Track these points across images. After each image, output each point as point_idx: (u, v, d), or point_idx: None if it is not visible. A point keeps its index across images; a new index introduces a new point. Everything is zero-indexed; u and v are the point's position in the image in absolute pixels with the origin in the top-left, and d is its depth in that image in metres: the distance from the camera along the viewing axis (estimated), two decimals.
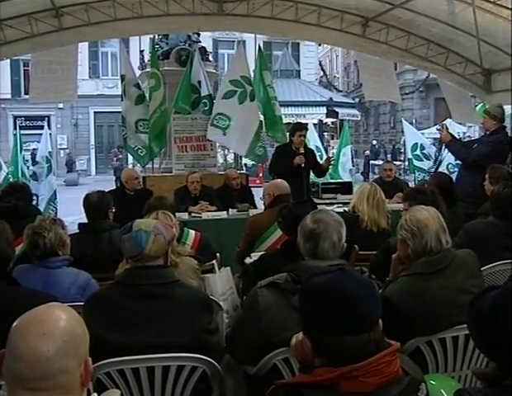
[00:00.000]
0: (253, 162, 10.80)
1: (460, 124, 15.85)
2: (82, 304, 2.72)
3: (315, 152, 9.23)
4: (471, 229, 4.17)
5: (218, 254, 4.51)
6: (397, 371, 1.64)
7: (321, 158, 9.92)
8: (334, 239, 2.75)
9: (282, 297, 2.61)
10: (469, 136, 23.75)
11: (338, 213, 3.03)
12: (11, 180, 10.19)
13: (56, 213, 10.38)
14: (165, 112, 8.80)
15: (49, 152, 11.24)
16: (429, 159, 10.91)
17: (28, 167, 11.06)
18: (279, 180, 5.40)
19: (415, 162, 11.12)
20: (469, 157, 6.47)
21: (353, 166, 16.06)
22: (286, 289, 2.62)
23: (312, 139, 12.08)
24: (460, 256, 2.95)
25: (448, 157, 10.14)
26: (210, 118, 8.70)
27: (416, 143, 11.33)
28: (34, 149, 19.43)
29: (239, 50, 9.43)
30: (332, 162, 9.54)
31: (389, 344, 1.68)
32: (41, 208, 9.61)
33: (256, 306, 2.69)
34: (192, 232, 4.40)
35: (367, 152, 29.57)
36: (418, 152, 11.06)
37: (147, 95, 8.95)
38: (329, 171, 12.52)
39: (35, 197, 10.42)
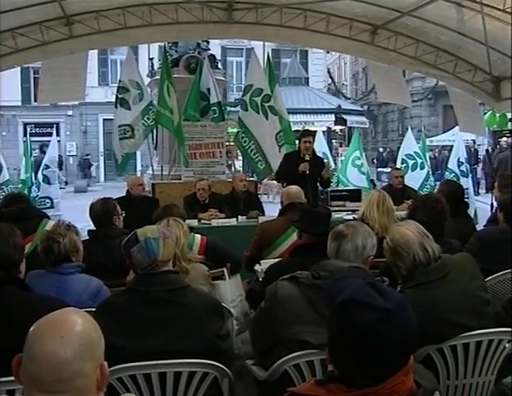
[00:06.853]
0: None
1: None
2: (93, 309, 2.73)
3: (323, 158, 9.20)
4: (483, 236, 4.17)
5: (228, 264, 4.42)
6: (411, 388, 1.61)
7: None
8: (357, 243, 2.91)
9: (300, 291, 2.73)
10: (479, 145, 23.69)
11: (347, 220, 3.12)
12: (18, 188, 10.27)
13: None
14: None
15: (59, 156, 11.44)
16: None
17: (43, 172, 11.15)
18: (293, 187, 5.30)
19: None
20: None
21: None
22: (303, 283, 2.73)
23: (320, 146, 12.01)
24: (458, 261, 2.96)
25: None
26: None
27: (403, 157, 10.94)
28: (44, 151, 19.56)
29: (252, 61, 9.49)
30: (331, 172, 9.31)
31: None
32: (57, 211, 9.69)
33: (274, 297, 2.79)
34: (198, 236, 4.37)
35: (375, 159, 29.49)
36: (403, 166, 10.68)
37: (172, 103, 8.83)
38: (338, 178, 12.48)
39: (48, 200, 10.63)
